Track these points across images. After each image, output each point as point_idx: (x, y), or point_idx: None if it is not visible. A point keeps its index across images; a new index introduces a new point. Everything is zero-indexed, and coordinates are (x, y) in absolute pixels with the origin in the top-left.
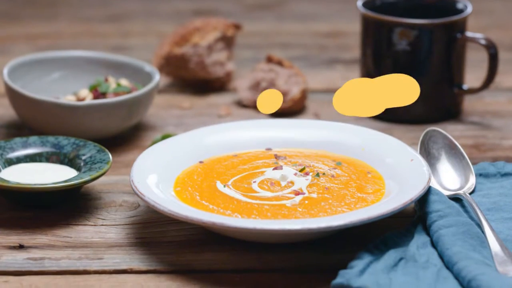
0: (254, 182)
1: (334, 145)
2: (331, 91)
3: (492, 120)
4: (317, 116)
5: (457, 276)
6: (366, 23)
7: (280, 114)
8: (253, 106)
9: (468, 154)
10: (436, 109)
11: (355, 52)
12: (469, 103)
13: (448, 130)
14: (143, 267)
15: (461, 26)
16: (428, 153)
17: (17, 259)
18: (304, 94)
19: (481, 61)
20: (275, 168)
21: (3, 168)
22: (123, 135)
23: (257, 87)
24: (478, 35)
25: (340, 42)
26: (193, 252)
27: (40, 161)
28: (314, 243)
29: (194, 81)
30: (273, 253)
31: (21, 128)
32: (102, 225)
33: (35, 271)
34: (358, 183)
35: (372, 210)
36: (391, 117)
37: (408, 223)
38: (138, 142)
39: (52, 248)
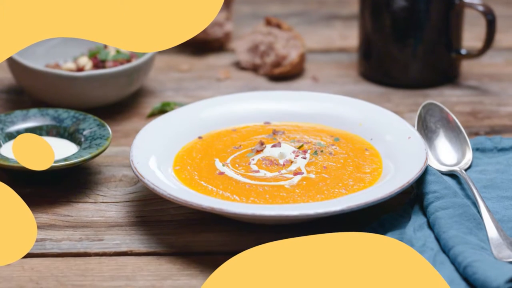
0: (253, 160)
1: (332, 119)
2: (329, 51)
3: (489, 84)
4: (315, 80)
5: (453, 261)
6: None
7: (278, 78)
8: (251, 69)
9: (465, 122)
10: (434, 73)
11: (354, 7)
12: (466, 65)
13: (446, 96)
14: (143, 248)
15: None
16: (425, 127)
17: None
18: (302, 58)
19: (479, 18)
20: (274, 145)
21: (3, 143)
22: (123, 102)
23: (255, 50)
24: (475, 1)
25: None
26: (192, 232)
27: (41, 134)
28: (312, 223)
29: (193, 41)
30: (271, 234)
31: (20, 93)
32: (102, 202)
33: (36, 253)
34: (356, 161)
35: (369, 193)
36: (389, 81)
37: (405, 201)
38: (137, 109)
39: (52, 228)
